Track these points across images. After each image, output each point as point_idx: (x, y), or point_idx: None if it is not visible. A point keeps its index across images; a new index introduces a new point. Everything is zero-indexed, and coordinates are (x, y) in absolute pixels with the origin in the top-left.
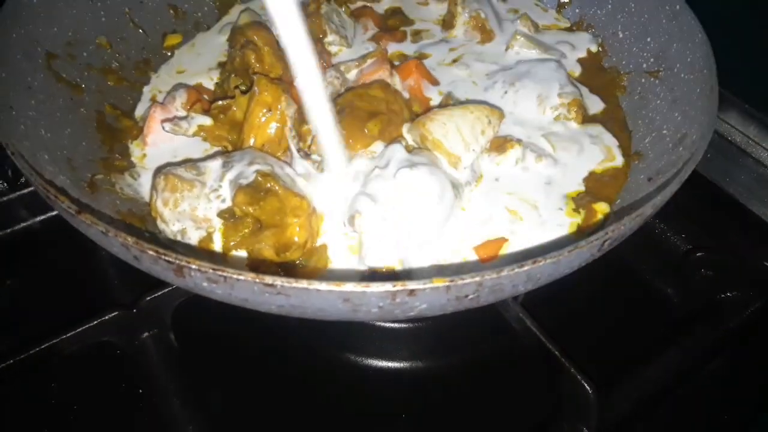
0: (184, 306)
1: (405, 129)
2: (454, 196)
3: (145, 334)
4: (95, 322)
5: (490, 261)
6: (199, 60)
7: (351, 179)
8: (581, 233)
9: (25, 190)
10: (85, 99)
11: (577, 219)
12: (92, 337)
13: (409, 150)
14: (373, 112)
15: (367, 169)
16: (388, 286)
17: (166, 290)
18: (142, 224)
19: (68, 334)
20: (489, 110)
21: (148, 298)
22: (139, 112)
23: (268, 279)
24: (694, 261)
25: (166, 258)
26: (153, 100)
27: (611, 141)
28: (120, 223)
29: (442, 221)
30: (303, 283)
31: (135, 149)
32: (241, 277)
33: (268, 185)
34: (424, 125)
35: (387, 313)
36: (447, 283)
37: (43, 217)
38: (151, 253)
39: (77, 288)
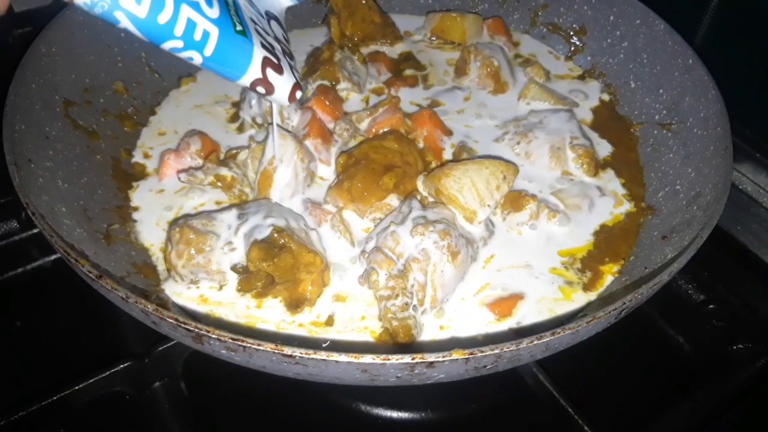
0: (194, 355)
1: (419, 181)
2: (469, 254)
3: (156, 383)
4: (108, 372)
5: (505, 318)
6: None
7: (365, 234)
8: (586, 290)
9: (37, 230)
10: (101, 145)
11: (582, 279)
12: (104, 387)
13: (425, 204)
14: (389, 165)
15: (383, 224)
16: (407, 359)
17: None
18: (155, 277)
19: (81, 385)
20: (504, 165)
21: (161, 348)
22: (138, 158)
23: (287, 350)
24: (706, 312)
25: (186, 326)
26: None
27: (619, 188)
28: (138, 279)
29: (458, 279)
30: (322, 355)
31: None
32: (260, 348)
33: (283, 241)
34: (440, 180)
35: (404, 381)
36: (466, 356)
37: (55, 257)
38: (170, 320)
39: (87, 331)
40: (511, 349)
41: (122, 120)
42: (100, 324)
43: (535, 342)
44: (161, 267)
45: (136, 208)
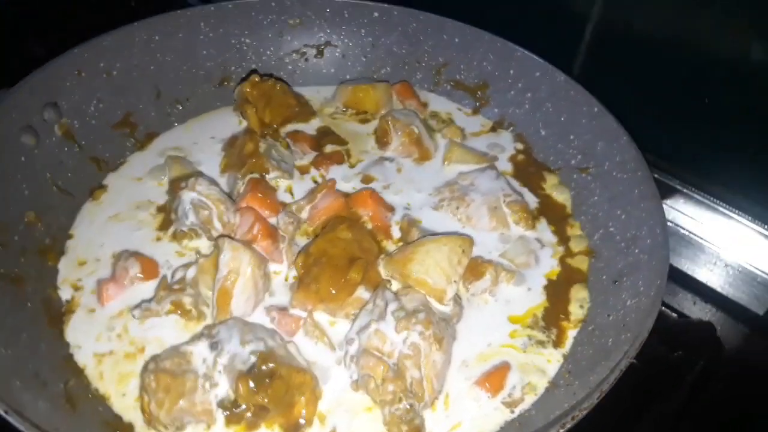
0: None
1: (380, 266)
2: (450, 334)
3: None
4: None
5: (498, 392)
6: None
7: (341, 331)
8: (557, 346)
9: None
10: (27, 290)
11: (551, 336)
12: None
13: (395, 291)
14: (350, 258)
15: (360, 322)
16: None
17: None
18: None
19: None
20: (460, 239)
21: None
22: (66, 294)
23: None
24: None
25: None
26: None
27: (554, 236)
28: None
29: (447, 364)
30: None
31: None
32: None
33: (270, 367)
34: (405, 266)
35: None
36: None
37: None
38: None
39: None
40: None
41: (43, 254)
42: None
43: (560, 430)
44: (128, 415)
45: (77, 347)
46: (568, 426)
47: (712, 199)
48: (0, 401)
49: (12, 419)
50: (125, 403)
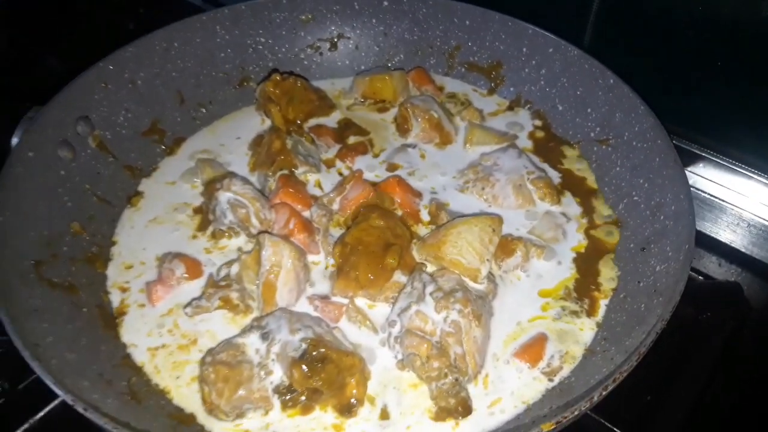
0: None
1: (414, 250)
2: (487, 311)
3: None
4: None
5: (537, 363)
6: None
7: (382, 314)
8: (590, 315)
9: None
10: (82, 297)
11: (583, 306)
12: None
13: (431, 274)
14: (386, 244)
15: (400, 304)
16: None
17: None
18: (195, 422)
19: None
20: (490, 219)
21: None
22: (116, 298)
23: None
24: None
25: None
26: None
27: (580, 208)
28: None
29: (487, 340)
30: None
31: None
32: None
33: (321, 352)
34: (439, 248)
35: None
36: (554, 427)
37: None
38: None
39: None
40: (586, 407)
41: (91, 262)
42: None
43: (603, 392)
44: (189, 408)
45: (134, 346)
46: (611, 388)
47: (730, 160)
48: (78, 400)
49: (91, 415)
50: (184, 395)
